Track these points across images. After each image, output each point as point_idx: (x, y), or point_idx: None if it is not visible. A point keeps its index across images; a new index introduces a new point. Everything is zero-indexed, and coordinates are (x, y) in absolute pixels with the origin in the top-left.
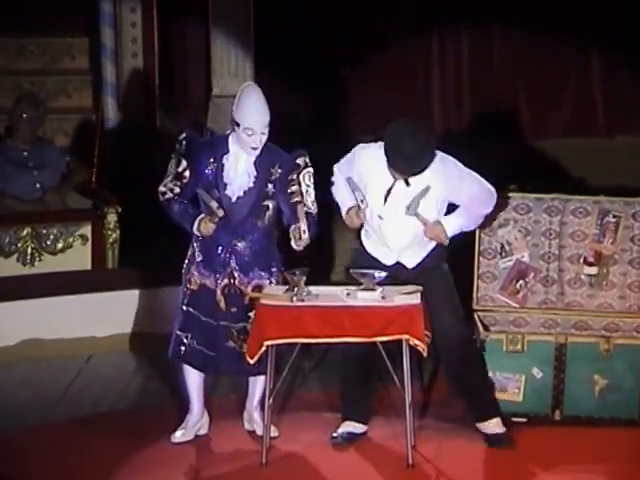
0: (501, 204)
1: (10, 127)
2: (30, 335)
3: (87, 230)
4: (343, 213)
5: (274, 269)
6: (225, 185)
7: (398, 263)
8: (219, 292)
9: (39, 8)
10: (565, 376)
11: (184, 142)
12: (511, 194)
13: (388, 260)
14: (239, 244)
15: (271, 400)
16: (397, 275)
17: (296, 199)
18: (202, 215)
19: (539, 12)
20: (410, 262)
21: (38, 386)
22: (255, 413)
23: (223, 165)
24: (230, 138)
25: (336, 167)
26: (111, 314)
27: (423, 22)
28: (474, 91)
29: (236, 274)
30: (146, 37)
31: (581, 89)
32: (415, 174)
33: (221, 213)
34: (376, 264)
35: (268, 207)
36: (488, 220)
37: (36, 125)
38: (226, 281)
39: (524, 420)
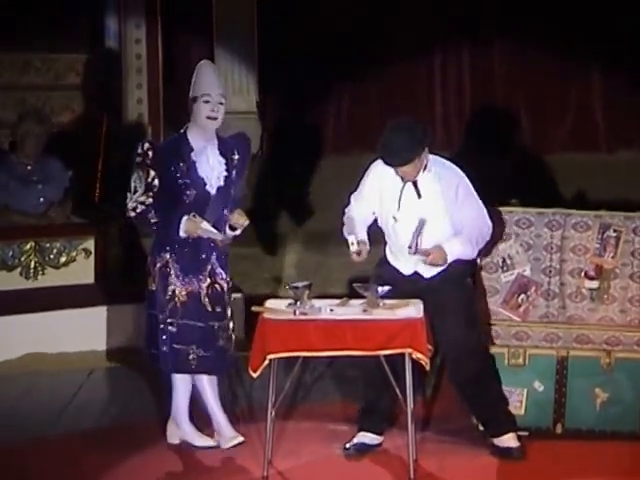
0: (503, 219)
1: (15, 142)
2: (33, 349)
3: (90, 244)
4: (351, 247)
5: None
6: (203, 181)
7: (416, 273)
8: (203, 294)
9: (44, 24)
10: (566, 390)
11: (150, 152)
12: (512, 208)
13: (406, 269)
14: (218, 237)
15: (273, 413)
16: (414, 286)
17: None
18: (186, 217)
19: (540, 28)
20: (427, 272)
21: (40, 399)
22: (220, 416)
23: (194, 162)
24: (189, 134)
25: (352, 197)
26: (113, 328)
27: (425, 39)
28: (475, 106)
29: (217, 270)
30: (150, 53)
31: (582, 104)
32: (400, 165)
33: (222, 238)
34: (395, 274)
35: (232, 194)
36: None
37: (40, 140)
38: (209, 280)
39: (526, 434)
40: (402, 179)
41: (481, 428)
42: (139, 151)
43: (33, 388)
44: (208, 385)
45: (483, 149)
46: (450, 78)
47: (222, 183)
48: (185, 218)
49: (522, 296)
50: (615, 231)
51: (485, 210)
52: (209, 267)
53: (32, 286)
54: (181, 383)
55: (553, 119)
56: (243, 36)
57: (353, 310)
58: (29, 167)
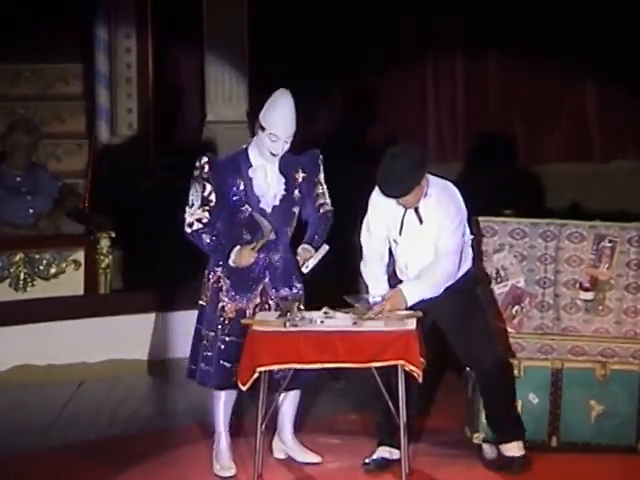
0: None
1: (4, 153)
2: (22, 361)
3: (80, 255)
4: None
5: (299, 279)
6: (258, 199)
7: None
8: (249, 312)
9: (34, 34)
10: (561, 402)
11: (206, 166)
12: (506, 219)
13: None
14: (275, 256)
15: (263, 426)
16: (424, 301)
17: (321, 201)
18: (238, 247)
19: (534, 37)
20: None
21: (29, 412)
22: (289, 437)
23: (251, 179)
24: (250, 151)
25: (362, 236)
26: (103, 340)
27: (417, 49)
28: (469, 116)
29: (268, 290)
30: (140, 63)
31: (576, 114)
32: (400, 196)
33: (273, 236)
34: None
35: (295, 214)
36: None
37: (30, 151)
38: (257, 300)
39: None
40: (403, 206)
41: (475, 440)
42: (196, 165)
43: (22, 401)
44: (289, 400)
45: (476, 159)
46: (443, 88)
47: (278, 202)
48: (237, 248)
49: (516, 307)
50: (610, 242)
51: (458, 251)
52: (261, 286)
53: (21, 298)
54: (221, 400)
55: (547, 129)
56: (233, 45)
57: (344, 321)
58: (18, 178)
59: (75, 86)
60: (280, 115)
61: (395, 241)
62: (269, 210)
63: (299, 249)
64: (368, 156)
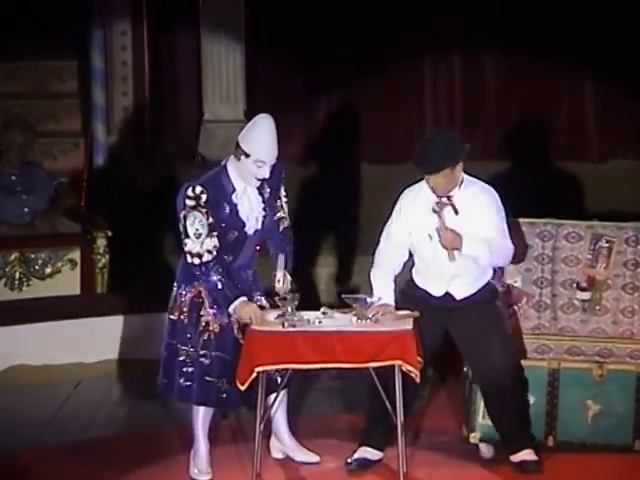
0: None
1: None
2: (18, 361)
3: (76, 255)
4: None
5: (260, 288)
6: (243, 224)
7: (447, 294)
8: (236, 327)
9: (29, 32)
10: (558, 402)
11: (203, 196)
12: None
13: (438, 291)
14: (249, 272)
15: (262, 426)
16: (444, 306)
17: (280, 214)
18: (243, 298)
19: (532, 37)
20: (459, 293)
21: (26, 412)
22: (286, 437)
23: (236, 205)
24: (230, 172)
25: (382, 238)
26: (100, 340)
27: (415, 48)
28: (466, 116)
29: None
30: (136, 60)
31: (574, 113)
32: (431, 172)
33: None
34: (424, 295)
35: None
36: None
37: (25, 150)
38: None
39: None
40: (433, 191)
41: (472, 440)
42: (190, 194)
43: (18, 401)
44: (279, 399)
45: (473, 160)
46: (441, 88)
47: (259, 226)
48: (241, 300)
49: (513, 307)
50: (607, 242)
51: (509, 237)
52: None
53: (17, 297)
54: (203, 415)
55: (545, 128)
56: (231, 43)
57: (342, 322)
58: (13, 177)
59: (71, 84)
60: (264, 141)
61: (430, 235)
62: (251, 233)
63: (278, 276)
64: (364, 156)
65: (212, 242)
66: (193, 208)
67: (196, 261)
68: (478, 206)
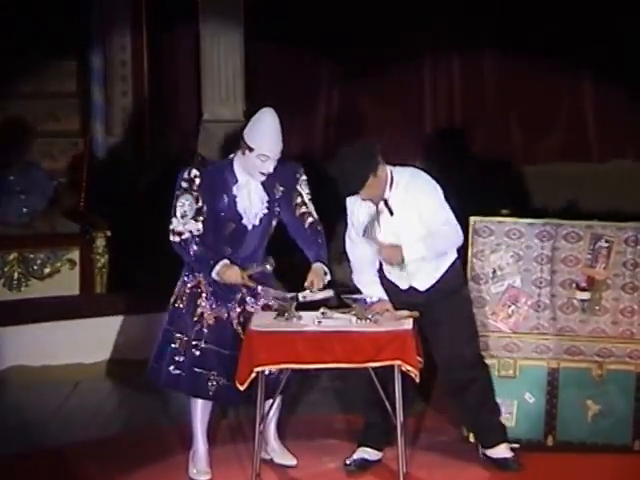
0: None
1: None
2: (17, 361)
3: (75, 255)
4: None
5: (273, 284)
6: (240, 216)
7: (412, 287)
8: (235, 322)
9: (29, 31)
10: (557, 401)
11: (197, 179)
12: (503, 219)
13: (402, 284)
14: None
15: (262, 427)
16: (411, 299)
17: (302, 210)
18: (226, 261)
19: (531, 37)
20: (422, 285)
21: (25, 412)
22: (272, 438)
23: (235, 196)
24: (235, 165)
25: (347, 250)
26: (99, 340)
27: (415, 49)
28: (466, 116)
29: (247, 299)
30: (135, 60)
31: (573, 114)
32: (354, 192)
33: (270, 269)
34: (394, 287)
35: (272, 226)
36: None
37: (24, 150)
38: (238, 309)
39: (516, 445)
40: (372, 202)
41: (472, 439)
42: (185, 177)
43: (18, 401)
44: (276, 407)
45: (473, 159)
46: (441, 88)
47: (258, 222)
48: (223, 262)
49: (512, 307)
50: (607, 242)
51: (454, 219)
52: (239, 295)
53: (15, 297)
54: (199, 406)
55: (544, 129)
56: (230, 43)
57: (342, 322)
58: (12, 177)
59: (70, 84)
60: (268, 136)
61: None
62: (250, 227)
63: (313, 268)
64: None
65: (195, 225)
66: (185, 190)
67: (176, 239)
68: (414, 201)
